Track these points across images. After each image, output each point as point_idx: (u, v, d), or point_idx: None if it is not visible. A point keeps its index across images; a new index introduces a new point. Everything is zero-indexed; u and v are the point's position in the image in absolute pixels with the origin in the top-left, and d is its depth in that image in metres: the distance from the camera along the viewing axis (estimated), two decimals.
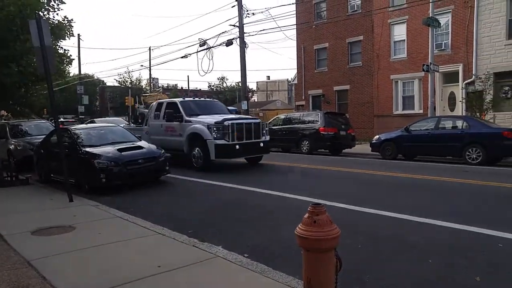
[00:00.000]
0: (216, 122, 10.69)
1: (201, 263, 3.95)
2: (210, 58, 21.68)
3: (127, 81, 57.18)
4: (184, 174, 10.44)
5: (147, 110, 14.46)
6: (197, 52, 22.53)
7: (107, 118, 20.86)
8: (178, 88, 69.73)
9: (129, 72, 53.16)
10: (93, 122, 20.77)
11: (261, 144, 11.52)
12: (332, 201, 6.59)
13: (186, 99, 12.81)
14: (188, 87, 60.81)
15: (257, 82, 63.91)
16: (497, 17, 17.71)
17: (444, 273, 3.74)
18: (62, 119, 28.70)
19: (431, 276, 3.68)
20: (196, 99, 13.58)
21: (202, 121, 11.03)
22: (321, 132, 16.03)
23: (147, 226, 5.36)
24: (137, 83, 59.10)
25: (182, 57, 25.02)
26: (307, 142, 16.48)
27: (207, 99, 15.95)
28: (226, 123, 10.68)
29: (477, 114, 16.42)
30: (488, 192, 7.70)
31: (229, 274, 3.72)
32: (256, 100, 61.86)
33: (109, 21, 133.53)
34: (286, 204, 6.86)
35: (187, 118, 11.46)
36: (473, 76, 18.28)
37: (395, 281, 3.59)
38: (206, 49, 22.20)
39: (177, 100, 12.61)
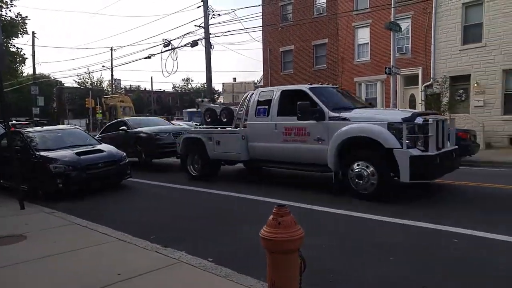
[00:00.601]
0: (405, 119, 6.50)
1: (163, 269, 3.82)
2: (175, 59, 21.24)
3: (87, 82, 55.13)
4: (144, 177, 10.14)
5: (216, 105, 11.29)
6: (161, 52, 22.05)
7: (146, 118, 16.52)
8: (141, 89, 68.25)
9: (89, 72, 51.17)
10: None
11: (454, 154, 7.37)
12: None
13: (315, 85, 8.42)
14: (152, 88, 59.60)
15: (223, 83, 63.70)
16: (453, 24, 18.54)
17: (405, 273, 3.77)
18: (14, 122, 27.26)
19: (393, 275, 3.70)
20: (326, 85, 9.04)
21: (370, 118, 6.91)
22: None
23: (107, 233, 5.12)
24: (98, 84, 57.19)
25: (145, 58, 24.43)
26: None
27: (332, 85, 9.91)
28: (418, 120, 6.57)
29: (447, 113, 17.04)
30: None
31: (192, 279, 3.62)
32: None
33: (68, 19, 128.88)
34: (257, 207, 6.77)
35: (333, 114, 7.17)
36: (431, 79, 19.04)
37: (361, 280, 3.58)
38: (171, 49, 21.78)
39: (305, 86, 7.99)
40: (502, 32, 17.07)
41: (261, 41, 27.42)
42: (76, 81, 54.45)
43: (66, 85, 56.80)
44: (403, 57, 19.97)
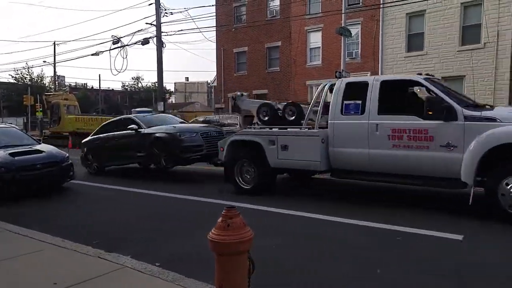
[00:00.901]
0: None
1: (106, 276, 3.58)
2: (124, 56, 20.52)
3: (26, 78, 51.51)
4: (93, 180, 9.62)
5: (269, 102, 8.87)
6: (110, 50, 21.19)
7: (157, 115, 12.70)
8: (88, 87, 65.27)
9: (28, 68, 47.82)
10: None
11: None
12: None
13: (428, 76, 6.70)
14: (100, 87, 57.14)
15: (175, 83, 62.66)
16: (398, 32, 19.54)
17: (349, 269, 3.81)
18: None
19: (337, 273, 3.73)
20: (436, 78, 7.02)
21: None
22: None
23: (45, 240, 4.73)
24: (39, 80, 53.65)
25: (93, 55, 23.35)
26: None
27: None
28: None
29: None
30: None
31: (137, 285, 3.42)
32: (173, 102, 60.55)
33: (6, 10, 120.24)
34: (204, 209, 6.62)
35: (470, 113, 5.49)
36: None
37: (312, 280, 3.57)
38: (120, 47, 21.00)
39: (419, 77, 6.34)
40: (441, 41, 18.25)
41: (215, 41, 27.23)
42: (12, 76, 50.63)
43: (1, 80, 52.73)
44: (353, 61, 20.69)
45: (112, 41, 21.22)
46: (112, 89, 66.35)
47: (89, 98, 58.06)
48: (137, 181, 9.54)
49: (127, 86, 68.26)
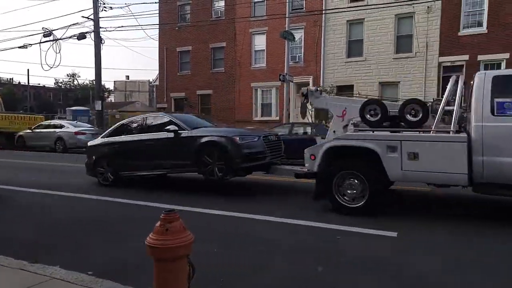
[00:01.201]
0: None
1: None
2: (57, 51, 19.15)
3: None
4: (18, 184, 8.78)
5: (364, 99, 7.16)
6: (40, 43, 19.67)
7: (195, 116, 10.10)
8: (14, 82, 60.25)
9: None
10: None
11: None
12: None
13: None
14: (28, 82, 52.87)
15: (114, 81, 59.89)
16: (339, 38, 20.32)
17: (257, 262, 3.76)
18: None
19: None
20: None
21: None
22: None
23: None
24: None
25: (20, 47, 21.45)
26: None
27: None
28: None
29: (323, 121, 18.47)
30: None
31: None
32: (113, 101, 57.90)
33: None
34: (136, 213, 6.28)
35: None
36: (321, 88, 20.51)
37: (252, 283, 3.48)
38: (53, 40, 19.57)
39: None
40: (378, 49, 19.27)
41: (157, 39, 26.43)
42: None
43: None
44: (296, 65, 21.14)
45: (43, 34, 19.72)
46: (44, 86, 61.87)
47: (16, 95, 53.65)
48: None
49: (61, 83, 64.09)
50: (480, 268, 3.82)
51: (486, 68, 17.25)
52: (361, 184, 5.81)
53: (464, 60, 17.70)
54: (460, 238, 4.76)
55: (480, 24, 17.50)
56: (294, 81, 19.42)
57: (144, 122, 8.50)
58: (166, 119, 8.14)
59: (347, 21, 20.08)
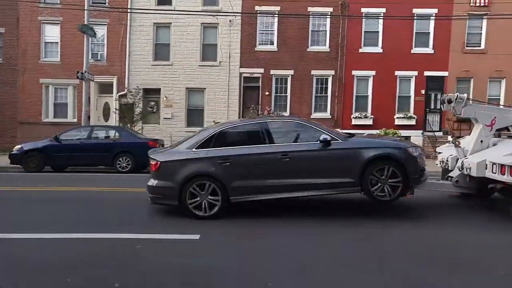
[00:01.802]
0: None
1: None
2: None
3: None
4: None
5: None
6: None
7: None
8: None
9: None
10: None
11: None
12: None
13: None
14: None
15: None
16: (146, 39, 19.53)
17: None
18: None
19: None
20: None
21: None
22: None
23: None
24: None
25: None
26: None
27: None
28: None
29: (128, 125, 17.36)
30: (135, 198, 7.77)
31: None
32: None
33: None
34: None
35: None
36: (126, 90, 19.27)
37: None
38: None
39: None
40: (185, 55, 19.43)
41: None
42: None
43: None
44: (98, 63, 19.24)
45: None
46: None
47: None
48: None
49: None
50: (259, 258, 3.98)
51: (277, 81, 19.62)
52: None
53: (260, 73, 19.60)
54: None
55: (272, 43, 19.74)
56: (95, 80, 17.55)
57: (264, 129, 6.40)
58: (305, 126, 6.54)
59: (154, 23, 19.49)
